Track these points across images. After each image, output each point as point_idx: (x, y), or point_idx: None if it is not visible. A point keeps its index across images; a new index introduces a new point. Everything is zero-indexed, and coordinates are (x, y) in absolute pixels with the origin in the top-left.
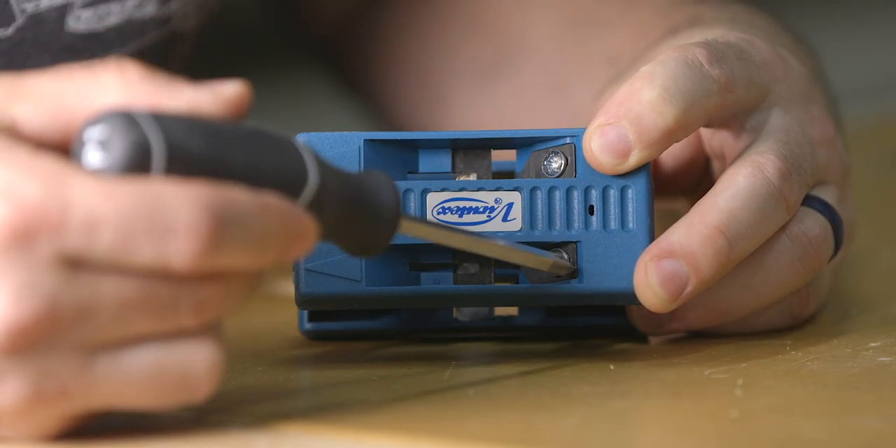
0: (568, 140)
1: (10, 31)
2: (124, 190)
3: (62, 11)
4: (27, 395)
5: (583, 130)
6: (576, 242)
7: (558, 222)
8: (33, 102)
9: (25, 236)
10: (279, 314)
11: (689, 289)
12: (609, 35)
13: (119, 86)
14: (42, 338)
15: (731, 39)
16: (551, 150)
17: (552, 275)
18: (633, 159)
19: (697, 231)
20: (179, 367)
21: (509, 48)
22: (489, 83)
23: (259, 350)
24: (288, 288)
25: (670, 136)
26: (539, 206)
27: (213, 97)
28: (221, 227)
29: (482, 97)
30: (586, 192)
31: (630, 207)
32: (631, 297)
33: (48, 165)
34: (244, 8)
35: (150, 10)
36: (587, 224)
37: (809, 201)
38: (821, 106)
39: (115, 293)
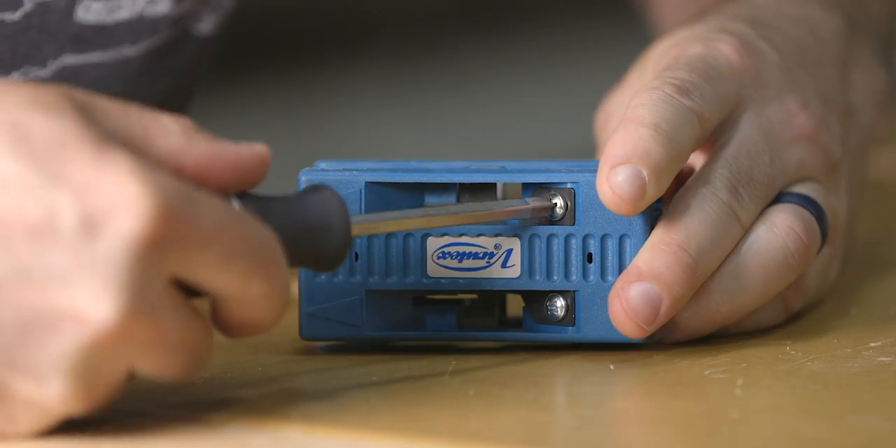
0: (569, 185)
1: (16, 15)
2: (237, 220)
3: (72, 0)
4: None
5: (583, 176)
6: (574, 292)
7: (556, 270)
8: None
9: (159, 244)
10: None
11: (663, 309)
12: None
13: (179, 131)
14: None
15: (697, 51)
16: (552, 191)
17: (553, 318)
18: (650, 194)
19: (661, 251)
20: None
21: None
22: None
23: (259, 350)
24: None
25: (674, 167)
26: (538, 254)
27: (235, 167)
28: None
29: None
30: (585, 240)
31: (628, 257)
32: (628, 343)
33: (176, 181)
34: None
35: (162, 7)
36: (585, 273)
37: (789, 198)
38: (801, 98)
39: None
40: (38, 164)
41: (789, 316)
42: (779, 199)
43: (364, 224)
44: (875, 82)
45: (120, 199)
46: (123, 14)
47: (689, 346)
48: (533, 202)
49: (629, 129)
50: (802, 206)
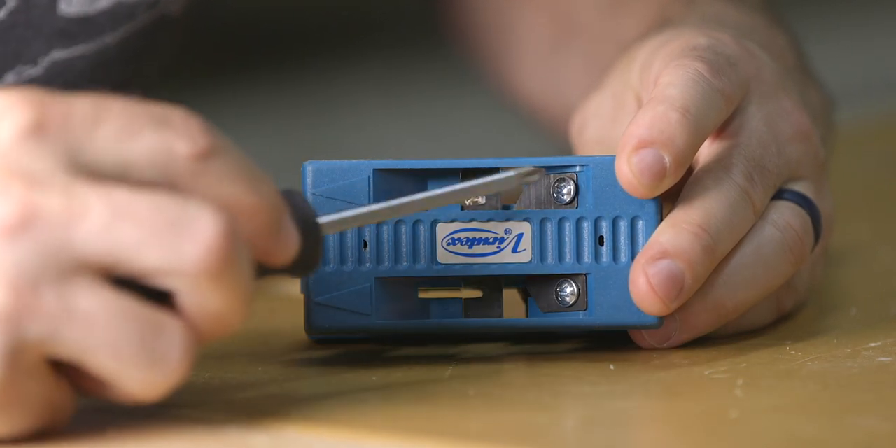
0: (578, 168)
1: (1, 14)
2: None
3: None
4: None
5: (591, 159)
6: (585, 274)
7: (568, 254)
8: None
9: (36, 128)
10: (280, 315)
11: (685, 288)
12: (637, 21)
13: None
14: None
15: (704, 40)
16: (557, 177)
17: (563, 305)
18: (667, 181)
19: (684, 229)
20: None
21: (562, 28)
22: (548, 60)
23: (259, 350)
24: (289, 289)
25: (694, 153)
26: (549, 237)
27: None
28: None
29: (542, 72)
30: (596, 222)
31: (640, 239)
32: (641, 327)
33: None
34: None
35: None
36: (597, 256)
37: (787, 195)
38: (793, 98)
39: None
40: None
41: (781, 315)
42: (777, 195)
43: (333, 223)
44: (823, 97)
45: None
46: (104, 3)
47: (689, 346)
48: (516, 172)
49: (658, 112)
50: (799, 204)
